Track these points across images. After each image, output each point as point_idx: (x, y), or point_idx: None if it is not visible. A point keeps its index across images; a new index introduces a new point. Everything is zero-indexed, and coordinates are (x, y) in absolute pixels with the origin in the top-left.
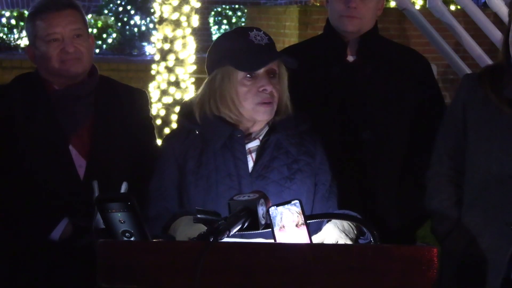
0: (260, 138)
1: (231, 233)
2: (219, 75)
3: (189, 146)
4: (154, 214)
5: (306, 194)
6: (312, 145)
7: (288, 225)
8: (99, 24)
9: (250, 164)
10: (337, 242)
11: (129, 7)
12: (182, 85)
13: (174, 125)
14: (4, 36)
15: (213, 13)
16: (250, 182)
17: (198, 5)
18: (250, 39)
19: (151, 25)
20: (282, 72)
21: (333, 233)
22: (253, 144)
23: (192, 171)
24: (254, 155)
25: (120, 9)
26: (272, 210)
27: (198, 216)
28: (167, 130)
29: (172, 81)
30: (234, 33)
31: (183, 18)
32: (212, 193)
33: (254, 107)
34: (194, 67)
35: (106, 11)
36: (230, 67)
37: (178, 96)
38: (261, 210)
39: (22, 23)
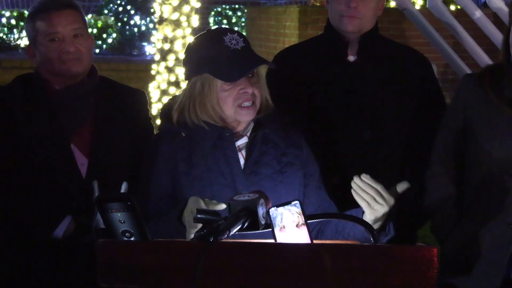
0: (248, 134)
1: (231, 233)
2: (198, 83)
3: (177, 149)
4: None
5: (298, 187)
6: (297, 137)
7: (288, 225)
8: (99, 24)
9: (242, 161)
10: None
11: (129, 7)
12: (182, 85)
13: None
14: (4, 36)
15: (213, 13)
16: (244, 179)
17: (198, 5)
18: (226, 44)
19: (151, 25)
20: (260, 70)
21: None
22: (242, 142)
23: (184, 173)
24: (244, 152)
25: (120, 9)
26: (272, 211)
27: (198, 216)
28: None
29: (172, 81)
30: (209, 39)
31: (183, 18)
32: (207, 193)
33: (235, 109)
34: None
35: (106, 11)
36: (210, 76)
37: None
38: (261, 210)
39: (22, 23)
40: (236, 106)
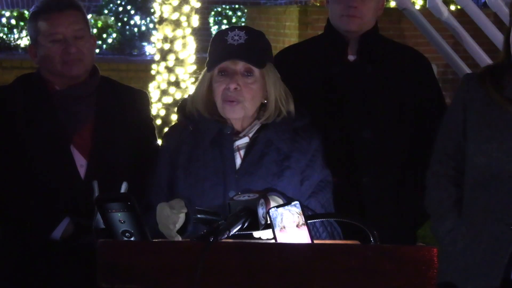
0: (250, 135)
1: (231, 233)
2: (202, 74)
3: (182, 142)
4: (145, 206)
5: (292, 191)
6: (307, 142)
7: (288, 225)
8: (99, 24)
9: (238, 161)
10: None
11: (129, 7)
12: (182, 85)
13: None
14: (4, 36)
15: (213, 13)
16: (236, 179)
17: (198, 5)
18: (225, 38)
19: (151, 25)
20: (265, 72)
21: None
22: (242, 141)
23: (183, 167)
24: (242, 152)
25: (120, 9)
26: (273, 211)
27: (198, 216)
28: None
29: (172, 81)
30: (217, 34)
31: (183, 18)
32: (198, 189)
33: (221, 103)
34: (194, 67)
35: (106, 11)
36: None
37: (178, 96)
38: (261, 210)
39: (22, 23)
40: (222, 101)
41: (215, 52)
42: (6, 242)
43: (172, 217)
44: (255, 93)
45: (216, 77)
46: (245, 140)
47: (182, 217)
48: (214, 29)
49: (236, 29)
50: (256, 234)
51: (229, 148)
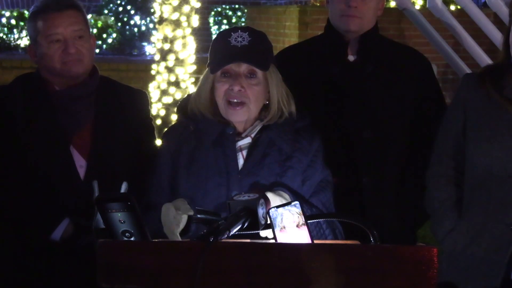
0: (252, 136)
1: (231, 233)
2: (204, 74)
3: (183, 142)
4: (145, 206)
5: (295, 191)
6: (308, 143)
7: (288, 225)
8: (99, 24)
9: (241, 161)
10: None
11: (129, 7)
12: (182, 85)
13: None
14: (4, 36)
15: (213, 13)
16: (239, 180)
17: (198, 5)
18: (229, 40)
19: (151, 25)
20: (268, 74)
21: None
22: (244, 142)
23: (185, 167)
24: (245, 152)
25: (120, 9)
26: (273, 211)
27: (198, 216)
28: None
29: (172, 81)
30: (220, 33)
31: (183, 18)
32: (200, 190)
33: (224, 106)
34: (194, 67)
35: (106, 11)
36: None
37: (178, 96)
38: (261, 210)
39: (22, 23)
40: (225, 102)
41: (218, 53)
42: (6, 242)
43: (178, 218)
44: (258, 94)
45: (218, 78)
46: (247, 140)
47: (184, 218)
48: (214, 29)
49: (239, 30)
50: (263, 233)
51: (232, 149)
